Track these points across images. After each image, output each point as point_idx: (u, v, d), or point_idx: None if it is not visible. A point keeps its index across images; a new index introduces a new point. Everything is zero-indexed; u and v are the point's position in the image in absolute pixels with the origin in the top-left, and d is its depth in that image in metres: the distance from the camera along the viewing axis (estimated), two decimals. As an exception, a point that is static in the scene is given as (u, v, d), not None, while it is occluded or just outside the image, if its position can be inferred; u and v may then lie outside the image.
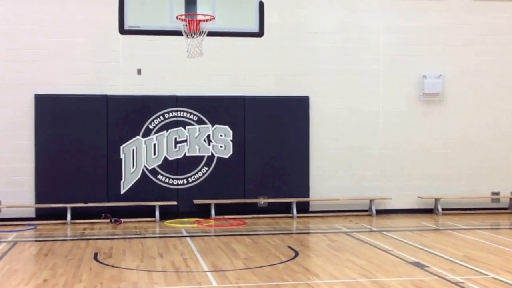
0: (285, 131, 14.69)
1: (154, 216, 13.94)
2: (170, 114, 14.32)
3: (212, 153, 14.42)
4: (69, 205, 13.68)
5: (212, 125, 14.43)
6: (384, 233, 12.38)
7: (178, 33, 10.75)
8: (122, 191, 14.10)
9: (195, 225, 13.34)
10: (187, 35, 10.60)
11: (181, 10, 10.67)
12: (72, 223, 13.57)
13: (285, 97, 14.75)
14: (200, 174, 14.38)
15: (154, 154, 14.26)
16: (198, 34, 10.63)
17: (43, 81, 13.96)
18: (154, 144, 14.27)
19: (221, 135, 14.46)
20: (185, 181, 14.36)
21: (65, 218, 13.60)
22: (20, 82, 13.90)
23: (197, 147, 14.39)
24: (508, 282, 8.19)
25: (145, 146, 14.22)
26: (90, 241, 11.58)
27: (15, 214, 13.82)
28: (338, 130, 15.01)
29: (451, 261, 9.57)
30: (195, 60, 11.72)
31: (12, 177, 13.84)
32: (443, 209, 15.01)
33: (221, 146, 14.46)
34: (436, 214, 14.97)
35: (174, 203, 14.19)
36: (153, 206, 14.00)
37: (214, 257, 9.93)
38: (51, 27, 14.04)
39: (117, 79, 14.27)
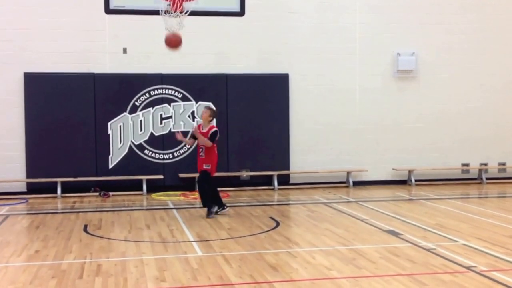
0: (266, 107, 14.64)
1: (141, 189, 13.89)
2: (156, 92, 14.21)
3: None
4: (59, 180, 13.59)
5: (196, 102, 14.34)
6: (361, 203, 12.42)
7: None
8: (110, 166, 14.02)
9: (181, 198, 13.32)
10: (170, 14, 10.45)
11: (165, -10, 10.55)
12: (62, 197, 13.48)
13: (266, 75, 14.67)
14: (185, 149, 14.31)
15: (141, 130, 14.17)
16: (183, 13, 10.49)
17: (32, 60, 13.78)
18: (141, 121, 14.17)
19: (204, 112, 14.36)
20: (170, 155, 14.29)
21: (56, 192, 13.51)
22: (9, 61, 13.71)
23: (182, 123, 14.31)
24: (477, 248, 8.26)
25: (131, 122, 14.12)
26: (80, 213, 11.52)
27: (7, 189, 13.70)
28: (316, 106, 14.98)
29: (424, 228, 9.63)
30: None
31: (3, 153, 13.69)
32: (416, 180, 15.08)
33: (205, 122, 14.37)
34: (410, 185, 15.03)
35: (161, 176, 14.14)
36: (140, 180, 13.95)
37: (199, 228, 9.92)
38: (40, 8, 13.83)
39: (103, 58, 14.11)
